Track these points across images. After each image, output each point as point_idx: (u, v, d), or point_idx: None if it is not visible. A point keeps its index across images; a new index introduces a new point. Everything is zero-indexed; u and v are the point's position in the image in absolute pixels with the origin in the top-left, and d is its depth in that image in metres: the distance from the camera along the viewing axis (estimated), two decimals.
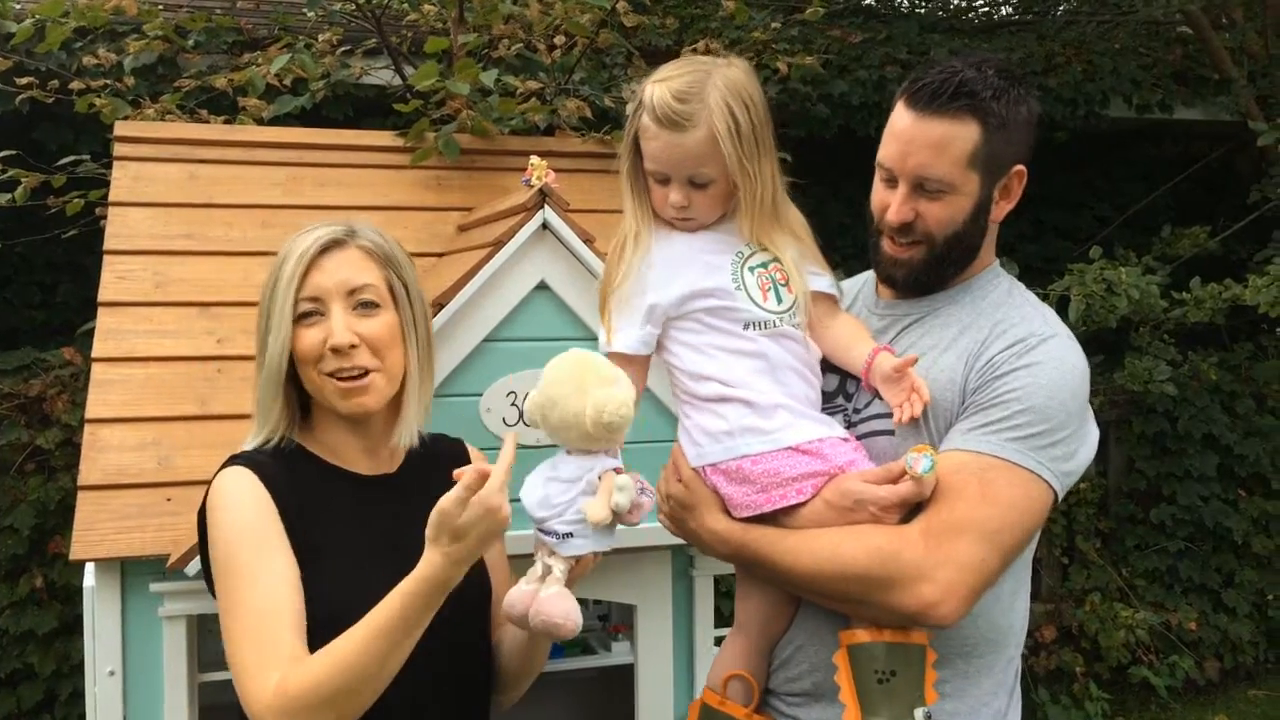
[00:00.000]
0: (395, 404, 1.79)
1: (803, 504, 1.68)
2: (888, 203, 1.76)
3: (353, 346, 1.69)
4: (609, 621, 3.56)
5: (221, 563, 1.64)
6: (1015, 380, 1.66)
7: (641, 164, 1.76)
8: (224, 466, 1.72)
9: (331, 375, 1.70)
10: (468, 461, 1.91)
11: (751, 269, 1.77)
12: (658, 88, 1.70)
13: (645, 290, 1.75)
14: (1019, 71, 1.82)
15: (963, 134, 1.69)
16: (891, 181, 1.76)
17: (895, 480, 1.63)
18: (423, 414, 1.84)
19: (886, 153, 1.76)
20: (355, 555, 1.70)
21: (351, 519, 1.74)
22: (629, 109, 1.78)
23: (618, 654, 3.25)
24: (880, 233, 1.80)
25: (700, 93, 1.68)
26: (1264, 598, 5.70)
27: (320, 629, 1.61)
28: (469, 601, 1.76)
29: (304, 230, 1.76)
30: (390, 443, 1.82)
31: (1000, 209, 1.80)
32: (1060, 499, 1.69)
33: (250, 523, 1.64)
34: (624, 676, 2.85)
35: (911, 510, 1.65)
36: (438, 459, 1.87)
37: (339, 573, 1.66)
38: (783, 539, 1.68)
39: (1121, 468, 5.75)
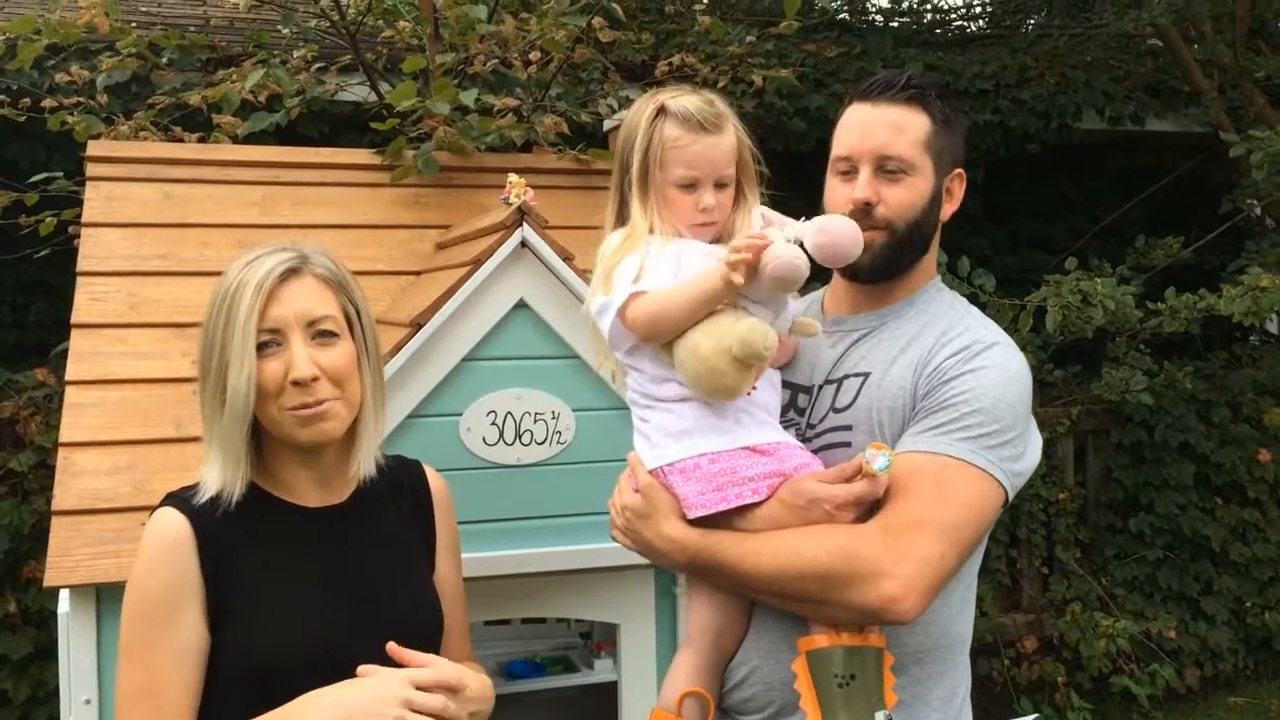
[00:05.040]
0: (349, 432, 1.75)
1: (758, 504, 1.68)
2: (847, 194, 1.81)
3: (314, 379, 1.65)
4: (591, 640, 3.54)
5: (124, 621, 1.63)
6: (963, 384, 1.70)
7: (650, 177, 1.78)
8: (163, 503, 1.68)
9: (288, 408, 1.66)
10: (425, 485, 1.91)
11: None
12: (679, 101, 1.76)
13: (674, 254, 1.76)
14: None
15: (916, 120, 1.80)
16: (849, 174, 1.82)
17: (849, 479, 1.66)
18: (378, 440, 1.81)
19: (844, 142, 1.84)
20: (296, 596, 1.67)
21: (294, 557, 1.70)
22: (619, 125, 1.80)
23: (600, 672, 3.24)
24: None
25: (714, 100, 1.79)
26: (1242, 605, 5.72)
27: (261, 675, 1.60)
28: (416, 635, 1.72)
29: (251, 256, 1.69)
30: (344, 472, 1.78)
31: (945, 209, 1.88)
32: (1009, 500, 1.72)
33: (155, 596, 1.61)
34: (606, 694, 2.84)
35: (867, 511, 1.67)
36: (393, 483, 1.85)
37: (273, 616, 1.64)
38: (741, 542, 1.68)
39: (1100, 477, 5.78)
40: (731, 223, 1.83)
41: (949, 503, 1.63)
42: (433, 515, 1.90)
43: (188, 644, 1.61)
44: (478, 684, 1.69)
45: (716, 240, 1.82)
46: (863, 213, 1.79)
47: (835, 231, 1.64)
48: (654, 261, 1.74)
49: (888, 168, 1.79)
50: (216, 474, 1.66)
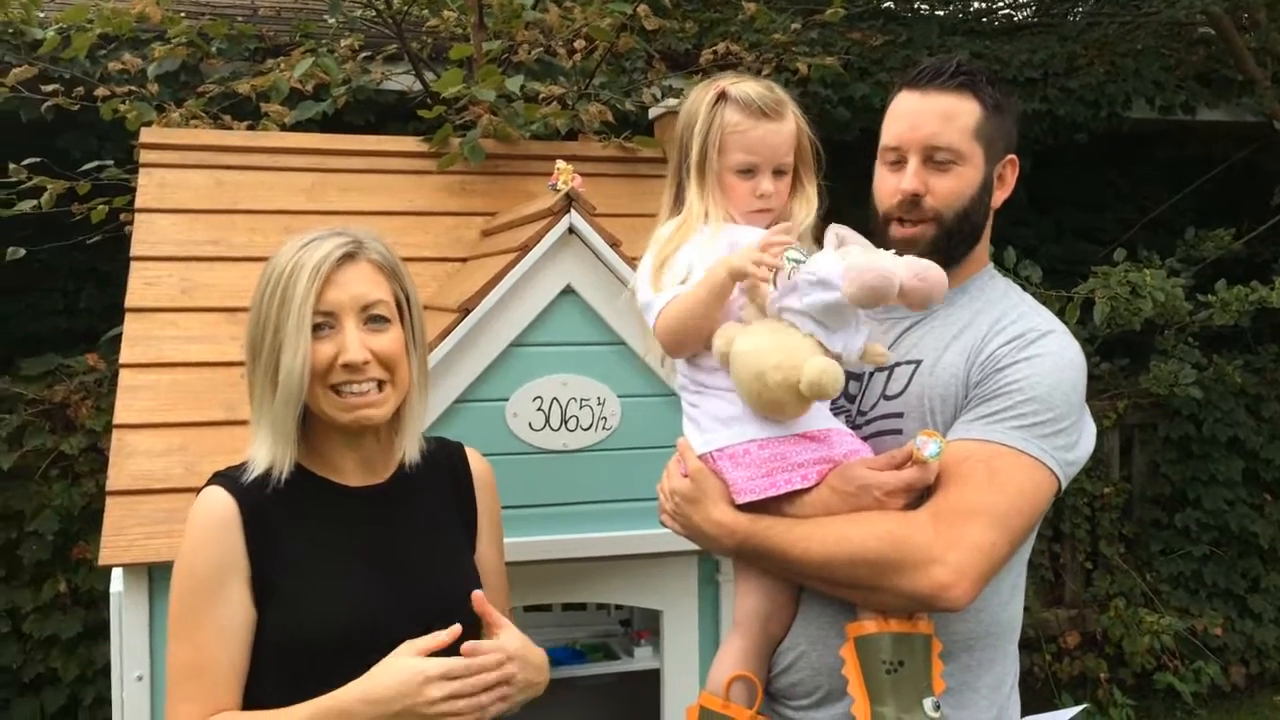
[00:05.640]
0: (395, 416, 1.77)
1: (807, 490, 1.68)
2: (895, 184, 1.80)
3: (365, 363, 1.67)
4: (631, 627, 3.55)
5: (172, 598, 1.66)
6: (1017, 372, 1.69)
7: (708, 162, 1.78)
8: (210, 482, 1.71)
9: (334, 388, 1.68)
10: (466, 467, 1.92)
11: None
12: (740, 87, 1.77)
13: (726, 244, 1.76)
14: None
15: (966, 108, 1.78)
16: (898, 164, 1.81)
17: (899, 466, 1.65)
18: (423, 426, 1.83)
19: (893, 132, 1.82)
20: (340, 575, 1.69)
21: (338, 536, 1.72)
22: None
23: (640, 660, 3.25)
24: (887, 221, 1.83)
25: (774, 87, 1.80)
26: None
27: (304, 652, 1.63)
28: (458, 613, 1.72)
29: (306, 239, 1.71)
30: (388, 454, 1.80)
31: (997, 196, 1.86)
32: (1063, 489, 1.71)
33: (201, 573, 1.64)
34: (646, 682, 2.85)
35: (917, 498, 1.66)
36: (435, 465, 1.86)
37: (317, 593, 1.66)
38: (791, 528, 1.68)
39: (1146, 472, 5.71)
40: (788, 210, 1.83)
41: (1001, 490, 1.62)
42: (474, 497, 1.91)
43: (234, 620, 1.64)
44: (538, 658, 1.73)
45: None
46: (911, 204, 1.78)
47: (932, 280, 1.59)
48: (705, 254, 1.74)
49: (937, 158, 1.77)
50: (266, 453, 1.68)
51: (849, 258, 1.60)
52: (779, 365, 1.62)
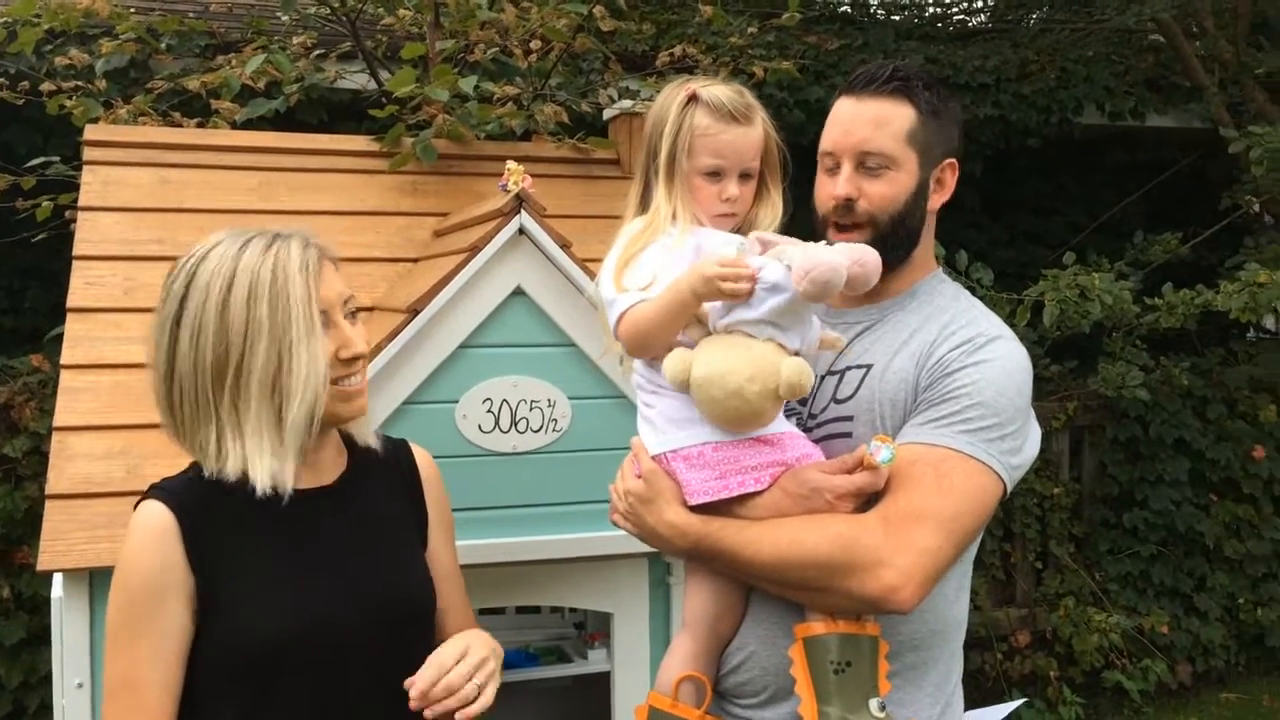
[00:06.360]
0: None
1: (760, 492, 1.69)
2: (831, 189, 1.82)
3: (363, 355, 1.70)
4: (585, 630, 3.55)
5: (109, 613, 1.63)
6: (965, 377, 1.71)
7: (676, 163, 1.79)
8: (146, 495, 1.67)
9: (333, 382, 1.67)
10: (412, 463, 1.91)
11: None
12: (711, 90, 1.78)
13: (693, 246, 1.77)
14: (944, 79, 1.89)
15: (900, 113, 1.80)
16: (834, 169, 1.83)
17: (851, 471, 1.67)
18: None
19: (828, 138, 1.84)
20: (286, 579, 1.67)
21: (283, 540, 1.69)
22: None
23: (594, 662, 3.24)
24: (825, 225, 1.85)
25: (744, 91, 1.81)
26: (1235, 601, 5.73)
27: (253, 657, 1.61)
28: (408, 612, 1.74)
29: (262, 241, 1.66)
30: (333, 456, 1.79)
31: (935, 199, 1.87)
32: (1008, 492, 1.73)
33: (137, 588, 1.61)
34: (599, 685, 2.84)
35: (866, 501, 1.68)
36: (383, 463, 1.85)
37: (265, 599, 1.64)
38: (743, 529, 1.69)
39: (1094, 472, 5.78)
40: (753, 215, 1.84)
41: (948, 495, 1.64)
42: (422, 493, 1.90)
43: (170, 637, 1.61)
44: (483, 648, 1.74)
45: (737, 231, 1.82)
46: (844, 208, 1.80)
47: (869, 265, 1.61)
48: (672, 257, 1.74)
49: (868, 164, 1.79)
50: (265, 467, 1.61)
51: (787, 258, 1.62)
52: (753, 377, 1.63)
